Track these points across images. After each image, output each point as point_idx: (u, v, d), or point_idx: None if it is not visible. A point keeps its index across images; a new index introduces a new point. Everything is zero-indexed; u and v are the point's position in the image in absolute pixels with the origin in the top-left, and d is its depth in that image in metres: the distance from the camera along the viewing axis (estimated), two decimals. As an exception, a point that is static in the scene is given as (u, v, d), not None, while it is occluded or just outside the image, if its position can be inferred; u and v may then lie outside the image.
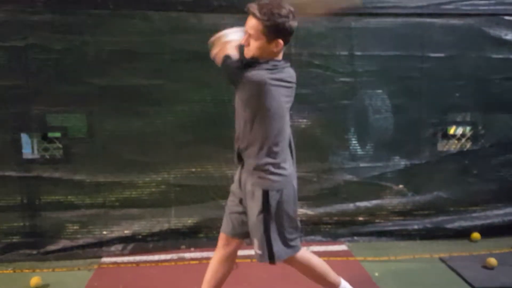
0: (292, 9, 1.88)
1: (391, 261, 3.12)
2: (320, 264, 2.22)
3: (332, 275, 2.24)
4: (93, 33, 2.98)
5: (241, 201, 2.12)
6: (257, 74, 1.84)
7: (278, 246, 2.03)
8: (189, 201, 3.26)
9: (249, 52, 1.93)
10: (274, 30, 1.86)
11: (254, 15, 1.86)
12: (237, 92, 1.93)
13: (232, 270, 2.26)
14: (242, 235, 2.17)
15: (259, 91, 1.84)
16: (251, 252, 2.13)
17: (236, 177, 2.16)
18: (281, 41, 1.89)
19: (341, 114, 3.34)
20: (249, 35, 1.90)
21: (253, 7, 1.86)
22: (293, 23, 1.89)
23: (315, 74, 3.24)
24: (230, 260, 2.23)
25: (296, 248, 2.12)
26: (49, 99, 3.01)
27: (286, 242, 2.06)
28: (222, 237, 2.21)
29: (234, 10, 3.05)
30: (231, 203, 2.19)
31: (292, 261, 2.16)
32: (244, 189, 2.05)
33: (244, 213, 2.11)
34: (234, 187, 2.17)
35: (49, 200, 3.13)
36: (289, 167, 2.02)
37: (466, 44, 3.33)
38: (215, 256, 2.23)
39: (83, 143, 3.12)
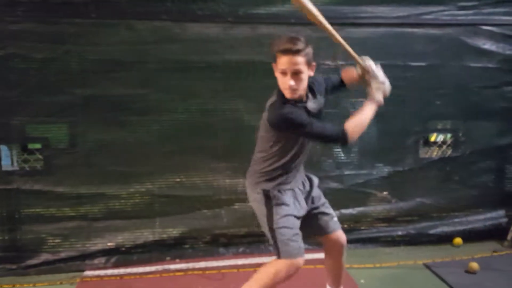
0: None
1: (376, 268, 3.14)
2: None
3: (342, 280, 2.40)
4: (75, 42, 2.93)
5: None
6: None
7: None
8: (174, 211, 3.22)
9: (300, 91, 1.93)
10: (312, 55, 1.92)
11: (300, 51, 1.84)
12: None
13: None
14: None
15: None
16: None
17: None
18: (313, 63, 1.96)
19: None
20: (297, 74, 1.87)
21: (294, 44, 1.84)
22: None
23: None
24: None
25: None
26: (29, 110, 2.94)
27: None
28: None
29: (218, 19, 3.05)
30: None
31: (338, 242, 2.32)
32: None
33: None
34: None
35: (29, 213, 3.04)
36: None
37: (446, 54, 3.39)
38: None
39: (65, 154, 3.05)
